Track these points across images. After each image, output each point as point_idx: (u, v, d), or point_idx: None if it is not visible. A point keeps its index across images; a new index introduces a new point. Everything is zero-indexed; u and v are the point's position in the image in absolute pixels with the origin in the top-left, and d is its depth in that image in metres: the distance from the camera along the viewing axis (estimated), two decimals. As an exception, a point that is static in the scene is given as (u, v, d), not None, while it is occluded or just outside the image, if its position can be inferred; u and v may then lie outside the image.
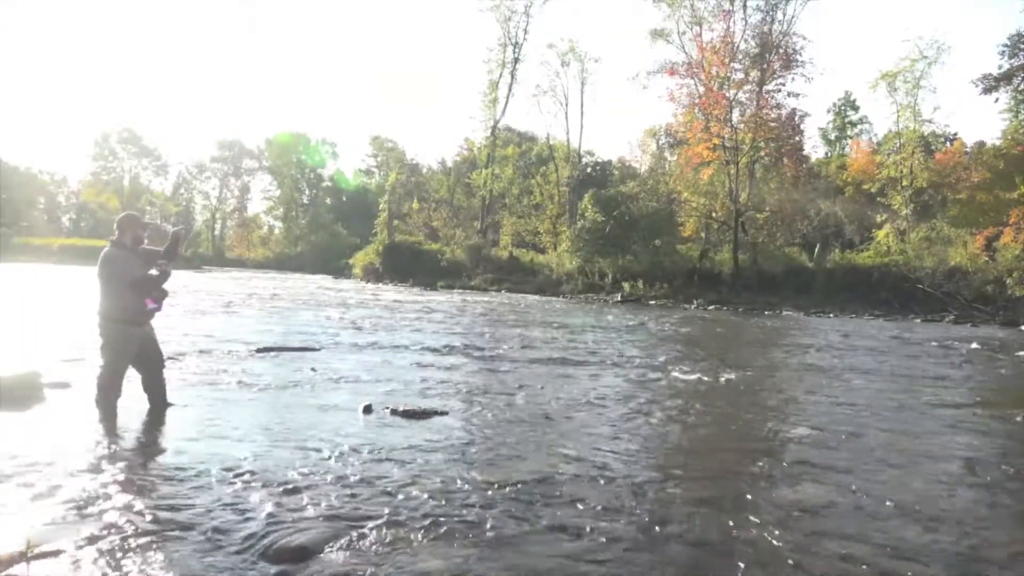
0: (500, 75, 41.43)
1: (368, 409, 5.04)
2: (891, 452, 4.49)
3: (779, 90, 30.24)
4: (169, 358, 6.72)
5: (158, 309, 4.67)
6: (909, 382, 7.76)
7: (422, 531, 2.83)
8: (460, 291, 30.34)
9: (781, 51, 29.40)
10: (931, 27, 76.00)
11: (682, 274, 28.35)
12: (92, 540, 2.62)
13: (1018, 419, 5.75)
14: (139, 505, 3.00)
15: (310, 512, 2.98)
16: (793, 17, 30.13)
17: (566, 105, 43.56)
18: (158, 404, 4.77)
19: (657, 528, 2.98)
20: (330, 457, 3.82)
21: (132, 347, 4.58)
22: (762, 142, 29.26)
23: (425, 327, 12.16)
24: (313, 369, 6.84)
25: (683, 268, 28.86)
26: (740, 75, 30.01)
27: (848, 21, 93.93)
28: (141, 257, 4.57)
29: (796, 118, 31.93)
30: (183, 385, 5.71)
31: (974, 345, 12.82)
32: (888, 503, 3.43)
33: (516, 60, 41.21)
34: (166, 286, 4.67)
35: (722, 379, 7.37)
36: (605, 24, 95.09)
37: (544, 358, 8.51)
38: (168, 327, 9.27)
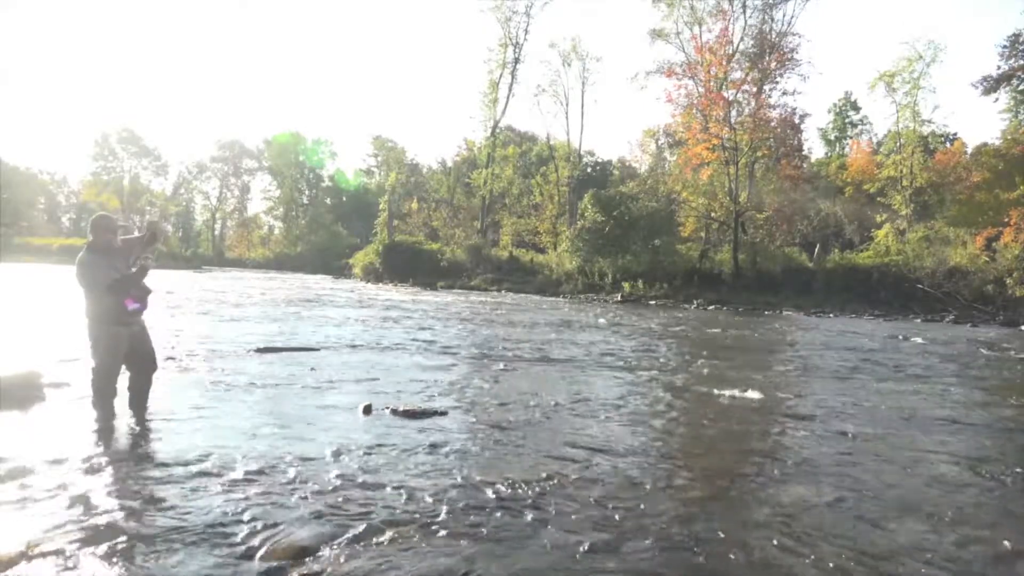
0: (500, 75, 41.61)
1: (368, 409, 5.04)
2: (891, 452, 4.49)
3: (776, 89, 30.31)
4: (168, 358, 6.76)
5: (142, 308, 4.57)
6: (909, 382, 7.76)
7: (421, 531, 2.84)
8: (460, 291, 30.34)
9: (779, 51, 29.41)
10: (930, 27, 76.05)
11: (682, 274, 28.35)
12: (92, 540, 2.62)
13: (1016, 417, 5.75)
14: (138, 505, 3.01)
15: (309, 511, 2.99)
16: (792, 17, 30.22)
17: (566, 105, 43.72)
18: (137, 406, 4.66)
19: (657, 528, 2.98)
20: (329, 457, 3.82)
21: (121, 347, 4.53)
22: (761, 142, 29.26)
23: (425, 327, 12.16)
24: (312, 369, 6.84)
25: (683, 268, 28.86)
26: (739, 75, 30.05)
27: (850, 21, 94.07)
28: (115, 258, 4.47)
29: (796, 118, 32.00)
30: (182, 385, 5.71)
31: (974, 345, 12.82)
32: (888, 503, 3.43)
33: (516, 60, 41.34)
34: (149, 283, 4.58)
35: (721, 379, 7.37)
36: (606, 24, 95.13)
37: (544, 358, 8.51)
38: (168, 327, 9.29)
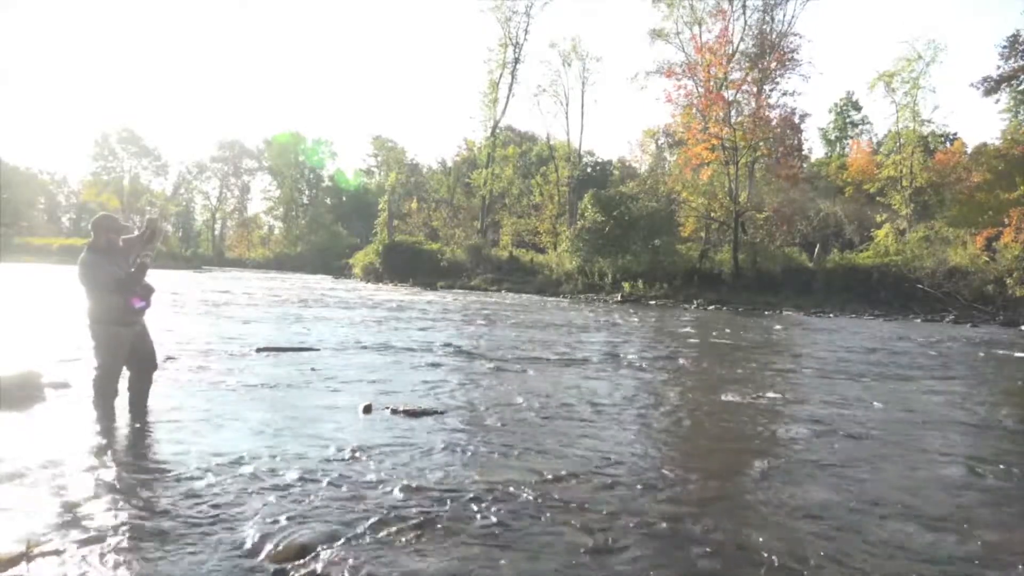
0: (500, 75, 41.64)
1: (368, 409, 5.04)
2: (891, 452, 4.49)
3: (776, 89, 30.31)
4: (168, 358, 6.76)
5: (147, 306, 4.56)
6: (909, 382, 7.76)
7: (422, 531, 2.83)
8: (460, 291, 30.35)
9: (779, 52, 29.40)
10: (930, 27, 76.16)
11: (682, 274, 28.36)
12: (92, 540, 2.62)
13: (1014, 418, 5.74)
14: (139, 505, 3.00)
15: (310, 511, 2.98)
16: (792, 17, 30.21)
17: (566, 105, 43.76)
18: (137, 406, 4.65)
19: (657, 528, 2.98)
20: (330, 456, 3.82)
21: (124, 348, 4.52)
22: (761, 142, 29.25)
23: (425, 327, 12.16)
24: (313, 369, 6.84)
25: (683, 268, 28.86)
26: (738, 75, 30.04)
27: (852, 21, 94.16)
28: (117, 257, 4.46)
29: (796, 118, 32.02)
30: (183, 385, 5.71)
31: (974, 345, 12.82)
32: (888, 503, 3.43)
33: (516, 60, 41.38)
34: (151, 282, 4.56)
35: (722, 379, 7.37)
36: (605, 24, 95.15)
37: (544, 358, 8.51)
38: (168, 327, 9.28)
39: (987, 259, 25.35)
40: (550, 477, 3.63)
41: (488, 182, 42.36)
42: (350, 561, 2.53)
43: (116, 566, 2.43)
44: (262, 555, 2.55)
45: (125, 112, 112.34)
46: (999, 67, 25.08)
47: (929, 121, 35.26)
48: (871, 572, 2.63)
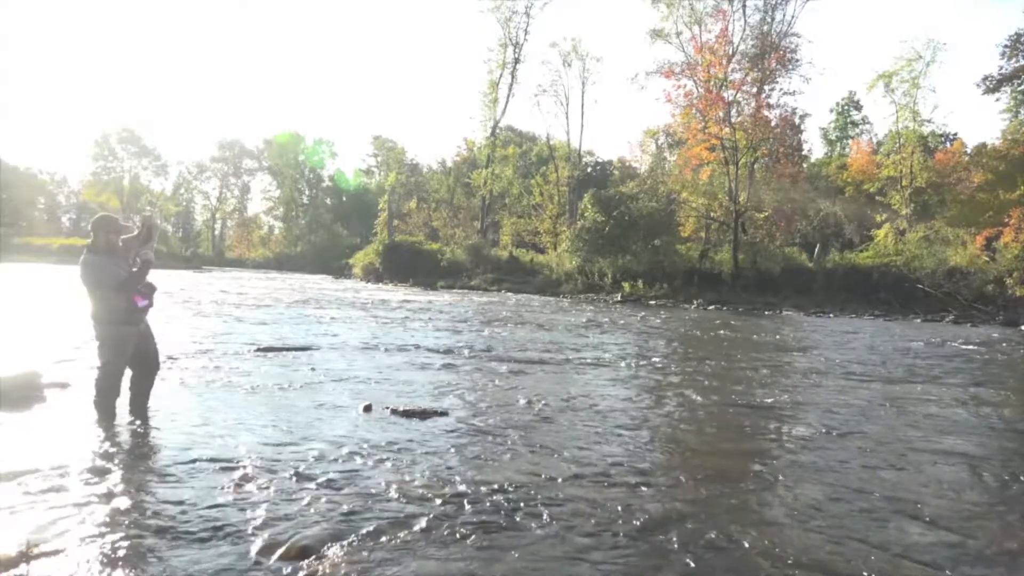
0: (500, 75, 41.66)
1: (368, 409, 5.04)
2: (891, 452, 4.49)
3: (776, 89, 30.29)
4: (169, 358, 6.75)
5: (150, 304, 4.56)
6: (909, 382, 7.76)
7: (422, 531, 2.83)
8: (460, 291, 30.34)
9: (779, 52, 29.38)
10: (931, 27, 76.19)
11: (682, 274, 28.34)
12: (92, 540, 2.62)
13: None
14: (139, 505, 3.00)
15: (310, 512, 2.98)
16: (793, 18, 30.20)
17: (567, 105, 43.76)
18: (139, 406, 4.65)
19: (657, 529, 2.98)
20: (330, 456, 3.82)
21: (128, 347, 4.52)
22: (761, 142, 29.24)
23: (425, 327, 12.16)
24: (313, 368, 6.84)
25: (683, 268, 28.84)
26: (738, 75, 30.02)
27: (854, 20, 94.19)
28: (118, 257, 4.46)
29: (796, 118, 31.99)
30: (183, 385, 5.71)
31: (974, 345, 12.81)
32: (888, 503, 3.43)
33: (516, 60, 41.39)
34: (152, 280, 4.58)
35: (721, 379, 7.37)
36: (605, 24, 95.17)
37: (544, 359, 8.51)
38: (168, 327, 9.28)
39: (987, 259, 25.33)
40: (551, 478, 3.63)
41: (488, 182, 42.38)
42: (350, 561, 2.53)
43: (116, 566, 2.43)
44: (264, 555, 2.55)
45: (125, 112, 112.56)
46: (1000, 67, 25.08)
47: (929, 121, 35.30)
48: (871, 572, 2.63)
